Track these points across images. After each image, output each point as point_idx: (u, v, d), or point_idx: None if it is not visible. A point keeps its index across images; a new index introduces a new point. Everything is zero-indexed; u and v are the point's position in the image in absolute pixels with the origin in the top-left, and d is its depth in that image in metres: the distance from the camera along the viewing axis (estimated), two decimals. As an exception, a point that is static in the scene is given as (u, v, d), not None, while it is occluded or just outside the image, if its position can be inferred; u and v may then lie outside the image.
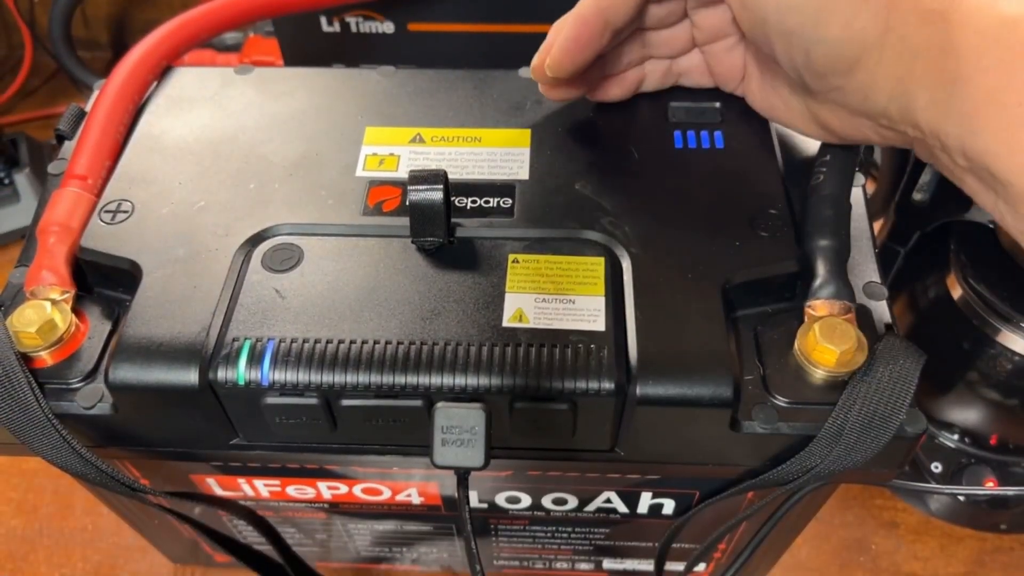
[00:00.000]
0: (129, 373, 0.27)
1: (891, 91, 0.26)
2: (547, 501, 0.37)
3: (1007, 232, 0.25)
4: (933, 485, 0.47)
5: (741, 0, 0.28)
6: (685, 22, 0.33)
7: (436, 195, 0.29)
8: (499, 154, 0.34)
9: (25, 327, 0.28)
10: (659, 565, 0.38)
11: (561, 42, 0.30)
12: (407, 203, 0.30)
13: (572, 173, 0.33)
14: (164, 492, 0.32)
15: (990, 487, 0.46)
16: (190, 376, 0.27)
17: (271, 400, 0.27)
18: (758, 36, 0.29)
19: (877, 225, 0.50)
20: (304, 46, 0.50)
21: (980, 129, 0.23)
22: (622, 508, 0.37)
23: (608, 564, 0.45)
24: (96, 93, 0.36)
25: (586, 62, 0.31)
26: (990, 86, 0.23)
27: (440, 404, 0.26)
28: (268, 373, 0.27)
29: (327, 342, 0.27)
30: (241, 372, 0.27)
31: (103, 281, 0.31)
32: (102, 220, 0.31)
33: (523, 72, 0.37)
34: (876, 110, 0.27)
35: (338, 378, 0.27)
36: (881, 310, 0.31)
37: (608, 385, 0.27)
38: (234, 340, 0.28)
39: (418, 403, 0.27)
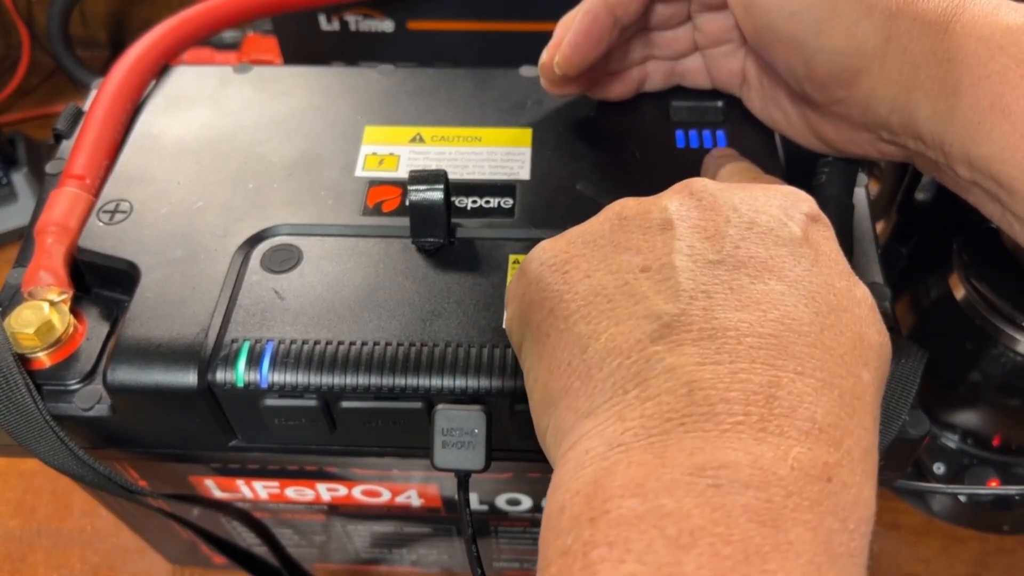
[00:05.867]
0: (127, 374, 0.27)
1: (893, 102, 0.26)
2: (548, 503, 0.37)
3: (1016, 241, 0.25)
4: (935, 485, 0.47)
5: (744, 6, 0.28)
6: (688, 24, 0.33)
7: (436, 195, 0.29)
8: (500, 154, 0.34)
9: (23, 328, 0.28)
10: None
11: (571, 38, 0.30)
12: (407, 203, 0.29)
13: (573, 173, 0.33)
14: (162, 494, 0.32)
15: (992, 487, 0.46)
16: (189, 377, 0.27)
17: (270, 402, 0.27)
18: (760, 43, 0.29)
19: (880, 225, 0.50)
20: (303, 44, 0.50)
21: (985, 137, 0.23)
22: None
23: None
24: (94, 92, 0.36)
25: (595, 58, 0.31)
26: (994, 93, 0.23)
27: (440, 406, 0.26)
28: (267, 375, 0.27)
29: (326, 343, 0.27)
30: (240, 374, 0.27)
31: (101, 282, 0.31)
32: (100, 220, 0.31)
33: (524, 71, 0.37)
34: (878, 122, 0.27)
35: (337, 380, 0.27)
36: (884, 311, 0.30)
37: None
38: (233, 341, 0.27)
39: (418, 405, 0.27)
